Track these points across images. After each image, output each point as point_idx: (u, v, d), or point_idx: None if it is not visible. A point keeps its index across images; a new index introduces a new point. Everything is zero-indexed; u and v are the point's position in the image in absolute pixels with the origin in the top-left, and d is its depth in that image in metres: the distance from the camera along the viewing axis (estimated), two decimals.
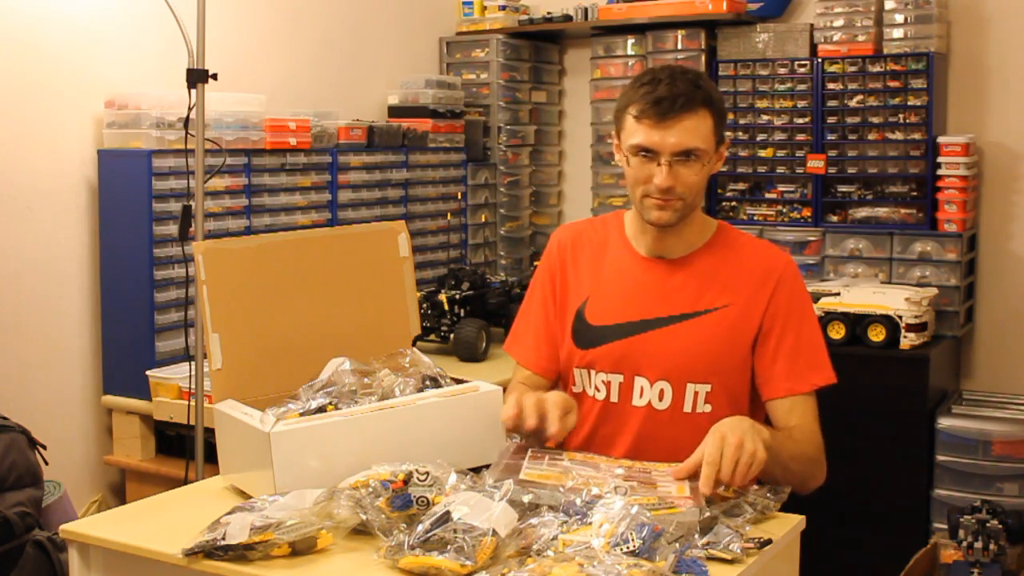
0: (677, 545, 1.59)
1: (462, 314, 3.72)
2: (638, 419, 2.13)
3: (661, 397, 2.12)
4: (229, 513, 1.69)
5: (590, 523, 1.60)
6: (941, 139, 3.93)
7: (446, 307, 3.72)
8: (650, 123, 2.05)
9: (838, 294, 3.75)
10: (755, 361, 2.13)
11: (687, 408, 2.11)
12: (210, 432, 2.42)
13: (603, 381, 2.17)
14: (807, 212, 4.18)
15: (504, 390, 2.04)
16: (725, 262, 2.16)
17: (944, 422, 3.59)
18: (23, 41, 3.16)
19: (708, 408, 2.11)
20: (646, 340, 2.14)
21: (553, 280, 2.29)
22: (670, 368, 2.11)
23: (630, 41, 4.52)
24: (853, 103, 4.06)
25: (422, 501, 1.67)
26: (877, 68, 4.01)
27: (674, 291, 2.15)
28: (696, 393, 2.11)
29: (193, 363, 2.98)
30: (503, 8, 4.68)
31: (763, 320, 2.12)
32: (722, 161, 2.18)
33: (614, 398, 2.16)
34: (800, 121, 4.16)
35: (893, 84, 3.98)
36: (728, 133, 4.28)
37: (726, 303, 2.12)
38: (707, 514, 1.68)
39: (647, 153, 2.07)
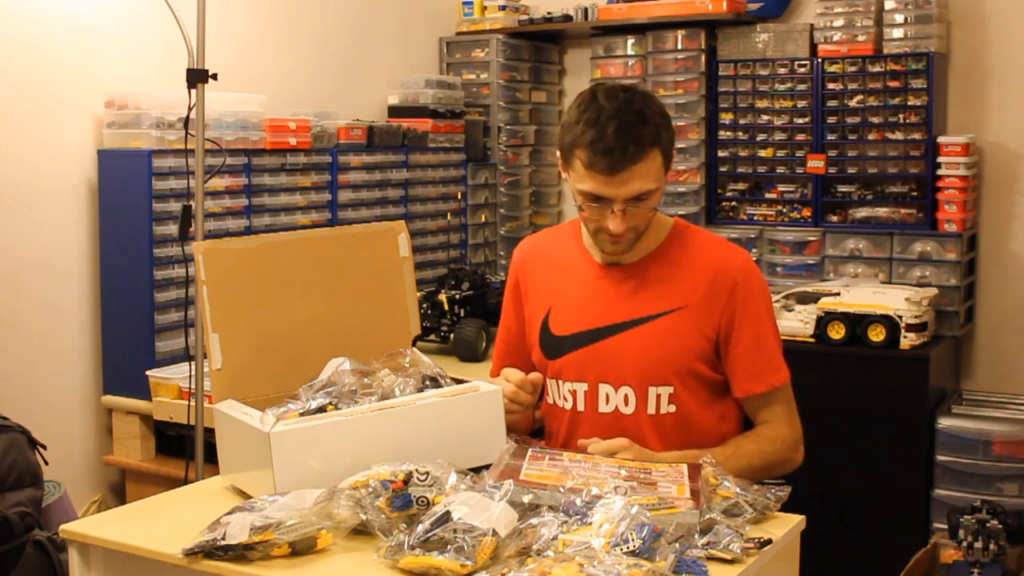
0: (677, 545, 1.59)
1: (462, 314, 3.72)
2: (606, 426, 2.13)
3: (626, 402, 2.14)
4: (229, 513, 1.69)
5: (590, 523, 1.60)
6: (941, 139, 3.93)
7: (446, 307, 3.72)
8: (602, 176, 2.01)
9: (838, 294, 3.75)
10: (721, 360, 2.16)
11: (651, 411, 2.12)
12: (210, 432, 2.42)
13: (570, 391, 2.20)
14: (807, 212, 4.18)
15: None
16: (680, 264, 2.18)
17: (944, 422, 3.59)
18: (23, 41, 3.16)
19: (673, 408, 2.13)
20: (606, 347, 2.16)
21: (517, 294, 2.33)
22: (631, 373, 2.13)
23: (630, 41, 4.52)
24: (853, 103, 4.06)
25: (422, 501, 1.67)
26: (877, 68, 4.01)
27: (630, 296, 2.17)
28: (659, 396, 2.12)
29: (193, 363, 2.97)
30: (503, 8, 4.68)
31: (721, 322, 2.13)
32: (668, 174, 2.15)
33: (581, 407, 2.18)
34: (800, 121, 4.16)
35: (893, 84, 3.98)
36: (728, 133, 4.29)
37: (681, 305, 2.14)
38: (707, 515, 1.69)
39: (599, 200, 2.05)
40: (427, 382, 1.98)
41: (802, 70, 4.14)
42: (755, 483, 1.86)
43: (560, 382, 2.21)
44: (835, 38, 4.09)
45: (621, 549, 1.53)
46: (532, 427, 2.31)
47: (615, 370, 2.14)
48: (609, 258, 2.20)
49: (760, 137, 4.25)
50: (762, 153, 4.25)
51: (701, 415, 2.14)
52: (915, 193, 4.00)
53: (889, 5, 4.01)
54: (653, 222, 2.19)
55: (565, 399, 2.20)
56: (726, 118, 4.30)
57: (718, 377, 2.16)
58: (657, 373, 2.12)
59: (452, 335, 3.68)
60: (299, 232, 2.67)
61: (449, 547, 1.55)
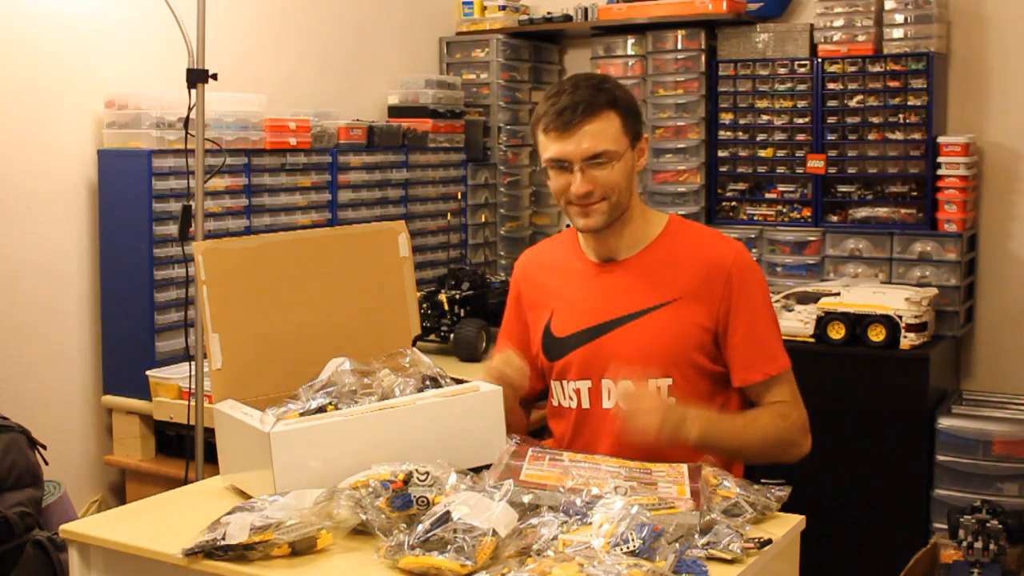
0: (677, 545, 1.59)
1: (462, 314, 3.72)
2: (611, 422, 2.13)
3: None
4: (229, 513, 1.69)
5: (590, 523, 1.60)
6: (941, 139, 3.93)
7: (446, 307, 3.72)
8: (557, 134, 2.10)
9: (838, 294, 3.75)
10: (721, 352, 2.17)
11: None
12: (210, 432, 2.42)
13: (574, 389, 2.20)
14: (807, 212, 4.18)
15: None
16: (673, 257, 2.19)
17: (944, 422, 3.59)
18: (23, 41, 3.16)
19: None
20: (606, 343, 2.17)
21: (519, 306, 2.35)
22: (631, 367, 2.13)
23: (630, 41, 4.52)
24: (853, 103, 4.06)
25: (422, 501, 1.67)
26: (877, 68, 4.01)
27: (625, 291, 2.18)
28: (659, 388, 2.13)
29: (193, 363, 2.97)
30: (503, 8, 4.68)
31: (718, 314, 2.15)
32: (644, 156, 2.21)
33: (586, 404, 2.19)
34: (800, 121, 4.16)
35: (893, 84, 3.98)
36: (728, 133, 4.29)
37: (676, 297, 2.15)
38: (707, 515, 1.69)
39: (561, 164, 2.11)
40: (427, 382, 1.98)
41: (802, 70, 4.14)
42: (755, 483, 1.86)
43: (564, 382, 2.22)
44: (835, 38, 4.09)
45: (621, 549, 1.53)
46: (528, 427, 2.31)
47: (615, 365, 2.14)
48: (602, 254, 2.22)
49: (760, 137, 4.25)
50: (762, 153, 4.25)
51: (701, 407, 2.13)
52: (915, 193, 4.00)
53: (889, 5, 4.01)
54: (641, 217, 2.21)
55: (570, 398, 2.21)
56: (726, 118, 4.30)
57: (719, 369, 2.17)
58: (655, 366, 2.13)
59: (452, 335, 3.68)
60: (299, 232, 2.67)
61: (449, 547, 1.55)
